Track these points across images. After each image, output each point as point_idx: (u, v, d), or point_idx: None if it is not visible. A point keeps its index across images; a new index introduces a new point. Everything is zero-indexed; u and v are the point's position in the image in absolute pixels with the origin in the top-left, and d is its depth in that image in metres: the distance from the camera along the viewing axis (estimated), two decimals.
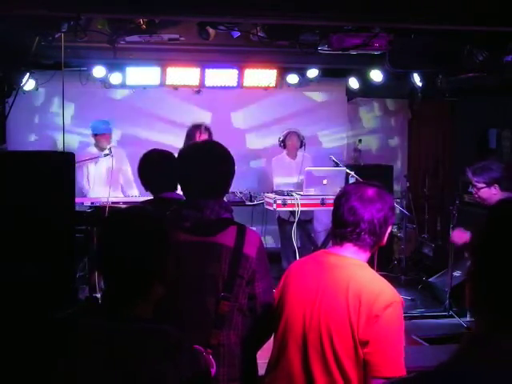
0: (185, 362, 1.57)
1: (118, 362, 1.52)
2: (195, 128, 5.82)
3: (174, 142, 6.68)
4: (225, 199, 2.59)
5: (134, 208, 1.91)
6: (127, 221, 1.71)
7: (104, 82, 7.37)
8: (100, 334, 1.58)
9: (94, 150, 6.69)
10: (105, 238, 1.69)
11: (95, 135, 6.70)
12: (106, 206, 5.70)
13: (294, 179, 6.69)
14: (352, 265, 2.21)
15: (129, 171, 6.64)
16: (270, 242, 7.63)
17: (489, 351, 1.08)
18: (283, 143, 7.12)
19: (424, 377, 1.11)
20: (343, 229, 2.22)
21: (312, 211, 6.85)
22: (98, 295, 5.12)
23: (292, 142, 7.06)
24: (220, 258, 2.33)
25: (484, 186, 4.37)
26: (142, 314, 1.65)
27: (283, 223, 6.89)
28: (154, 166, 3.70)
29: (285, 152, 7.17)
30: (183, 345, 1.62)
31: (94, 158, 6.51)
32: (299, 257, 5.40)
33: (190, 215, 2.37)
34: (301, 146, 7.06)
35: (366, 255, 2.25)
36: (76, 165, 6.21)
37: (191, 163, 2.46)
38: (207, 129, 5.82)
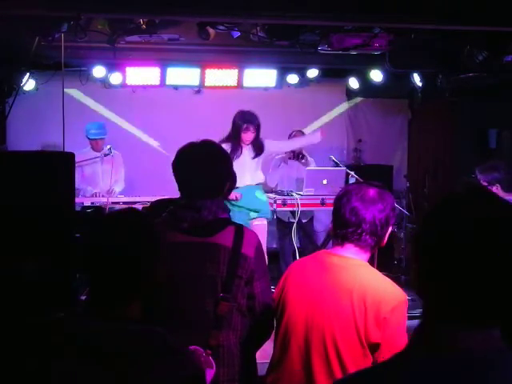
0: (177, 363, 1.56)
1: (107, 364, 1.51)
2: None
3: (173, 142, 6.64)
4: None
5: (123, 210, 1.91)
6: (116, 222, 1.72)
7: (104, 82, 7.37)
8: (89, 335, 1.57)
9: (91, 152, 6.52)
10: (93, 239, 1.69)
11: (88, 139, 6.57)
12: (106, 206, 5.71)
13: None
14: (355, 265, 2.20)
15: (122, 173, 6.50)
16: (269, 242, 7.60)
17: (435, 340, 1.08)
18: None
19: (378, 369, 1.13)
20: (344, 229, 2.20)
21: (311, 212, 6.86)
22: None
23: None
24: (218, 258, 2.32)
25: (486, 184, 4.44)
26: (131, 314, 1.64)
27: (282, 224, 6.88)
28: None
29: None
30: (175, 346, 1.61)
31: (94, 159, 6.48)
32: (299, 257, 5.39)
33: (188, 216, 2.36)
34: None
35: (366, 255, 2.24)
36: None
37: (188, 163, 2.45)
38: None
